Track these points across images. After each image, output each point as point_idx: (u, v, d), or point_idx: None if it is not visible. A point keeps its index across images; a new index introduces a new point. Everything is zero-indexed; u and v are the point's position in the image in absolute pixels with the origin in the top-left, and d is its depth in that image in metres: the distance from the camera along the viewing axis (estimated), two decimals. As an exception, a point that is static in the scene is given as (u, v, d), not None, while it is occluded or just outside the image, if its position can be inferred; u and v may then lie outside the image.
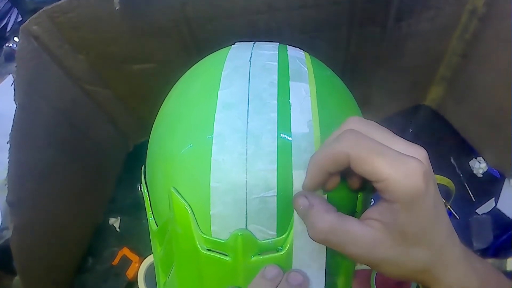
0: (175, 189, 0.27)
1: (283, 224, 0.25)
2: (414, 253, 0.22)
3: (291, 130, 0.26)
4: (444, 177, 0.56)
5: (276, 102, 0.27)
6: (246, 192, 0.25)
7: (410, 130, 0.61)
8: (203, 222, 0.26)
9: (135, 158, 0.31)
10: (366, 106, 0.59)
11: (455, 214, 0.56)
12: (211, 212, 0.25)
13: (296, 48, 0.35)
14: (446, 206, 0.56)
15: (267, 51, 0.32)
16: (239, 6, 0.41)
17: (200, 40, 0.43)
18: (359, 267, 0.52)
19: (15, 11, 0.70)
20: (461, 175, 0.58)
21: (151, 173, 0.31)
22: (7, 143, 0.36)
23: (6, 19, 0.69)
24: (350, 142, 0.21)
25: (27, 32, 0.38)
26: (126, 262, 0.52)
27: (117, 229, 0.55)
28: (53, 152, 0.43)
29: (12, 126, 0.37)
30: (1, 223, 0.45)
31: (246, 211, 0.25)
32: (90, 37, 0.42)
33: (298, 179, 0.25)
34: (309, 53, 0.35)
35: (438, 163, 0.58)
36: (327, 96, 0.29)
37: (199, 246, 0.26)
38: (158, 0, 0.39)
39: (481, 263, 0.25)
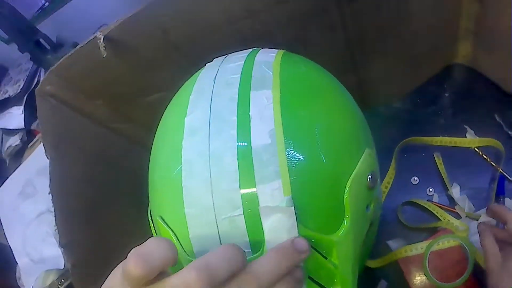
0: (161, 217, 0.28)
1: (256, 241, 0.25)
2: None
3: (252, 144, 0.26)
4: (490, 138, 0.50)
5: (236, 118, 0.27)
6: (215, 214, 0.25)
7: (446, 95, 0.55)
8: (187, 245, 0.27)
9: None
10: (389, 81, 0.55)
11: (508, 177, 0.50)
12: (190, 236, 0.26)
13: (270, 49, 0.34)
14: (497, 170, 0.50)
15: (233, 63, 0.31)
16: (218, 19, 0.41)
17: (193, 59, 0.44)
18: (409, 253, 0.49)
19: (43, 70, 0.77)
20: (509, 132, 0.51)
21: (150, 201, 0.33)
22: (48, 193, 0.41)
23: (37, 78, 0.77)
24: None
25: (43, 94, 0.43)
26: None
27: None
28: (93, 193, 0.47)
29: (50, 178, 0.41)
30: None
31: (218, 232, 0.25)
32: (98, 83, 0.45)
33: (263, 194, 0.25)
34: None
35: (482, 124, 0.52)
36: (294, 98, 0.28)
37: None
38: (141, 36, 0.40)
39: None
